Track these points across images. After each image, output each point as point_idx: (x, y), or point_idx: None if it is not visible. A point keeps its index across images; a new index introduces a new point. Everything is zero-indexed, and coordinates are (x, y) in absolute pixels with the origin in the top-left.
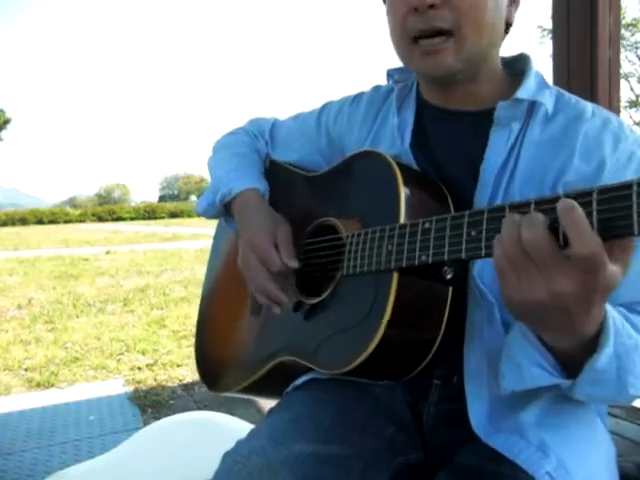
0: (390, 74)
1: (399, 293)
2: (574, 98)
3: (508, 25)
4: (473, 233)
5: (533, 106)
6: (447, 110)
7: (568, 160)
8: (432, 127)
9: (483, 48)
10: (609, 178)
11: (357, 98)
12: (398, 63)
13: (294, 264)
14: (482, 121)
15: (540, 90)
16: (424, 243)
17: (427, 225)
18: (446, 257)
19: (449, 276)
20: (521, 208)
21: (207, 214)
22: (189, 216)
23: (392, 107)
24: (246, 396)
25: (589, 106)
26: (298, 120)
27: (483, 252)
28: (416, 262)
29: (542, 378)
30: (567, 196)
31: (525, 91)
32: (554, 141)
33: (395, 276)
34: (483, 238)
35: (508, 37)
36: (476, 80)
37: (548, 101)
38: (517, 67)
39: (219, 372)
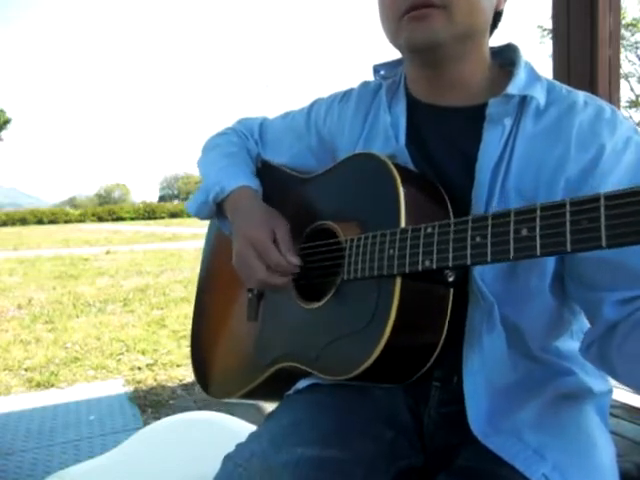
0: (377, 69)
1: (403, 297)
2: (565, 88)
3: (498, 14)
4: (478, 239)
5: (524, 99)
6: (438, 106)
7: (565, 153)
8: (425, 124)
9: (472, 29)
10: (607, 162)
11: (346, 95)
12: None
13: (296, 261)
14: (474, 117)
15: (531, 83)
16: (427, 248)
17: (429, 230)
18: (450, 263)
19: (451, 279)
20: (526, 214)
21: (200, 214)
22: (189, 216)
23: (382, 103)
24: (247, 401)
25: (581, 96)
26: (287, 118)
27: (489, 258)
28: (420, 268)
29: None
30: (573, 203)
31: (516, 86)
32: (548, 134)
33: (398, 280)
34: (489, 244)
35: (507, 37)
36: (463, 65)
37: (540, 94)
38: (506, 57)
39: (217, 379)
